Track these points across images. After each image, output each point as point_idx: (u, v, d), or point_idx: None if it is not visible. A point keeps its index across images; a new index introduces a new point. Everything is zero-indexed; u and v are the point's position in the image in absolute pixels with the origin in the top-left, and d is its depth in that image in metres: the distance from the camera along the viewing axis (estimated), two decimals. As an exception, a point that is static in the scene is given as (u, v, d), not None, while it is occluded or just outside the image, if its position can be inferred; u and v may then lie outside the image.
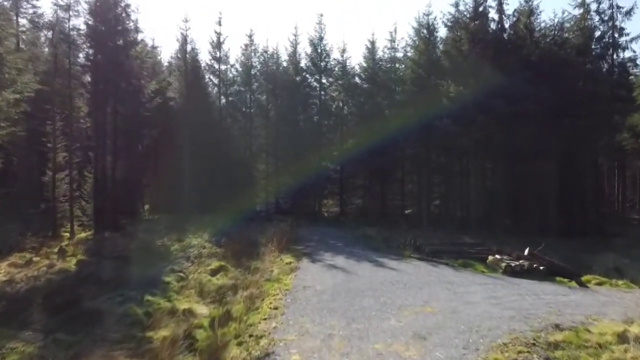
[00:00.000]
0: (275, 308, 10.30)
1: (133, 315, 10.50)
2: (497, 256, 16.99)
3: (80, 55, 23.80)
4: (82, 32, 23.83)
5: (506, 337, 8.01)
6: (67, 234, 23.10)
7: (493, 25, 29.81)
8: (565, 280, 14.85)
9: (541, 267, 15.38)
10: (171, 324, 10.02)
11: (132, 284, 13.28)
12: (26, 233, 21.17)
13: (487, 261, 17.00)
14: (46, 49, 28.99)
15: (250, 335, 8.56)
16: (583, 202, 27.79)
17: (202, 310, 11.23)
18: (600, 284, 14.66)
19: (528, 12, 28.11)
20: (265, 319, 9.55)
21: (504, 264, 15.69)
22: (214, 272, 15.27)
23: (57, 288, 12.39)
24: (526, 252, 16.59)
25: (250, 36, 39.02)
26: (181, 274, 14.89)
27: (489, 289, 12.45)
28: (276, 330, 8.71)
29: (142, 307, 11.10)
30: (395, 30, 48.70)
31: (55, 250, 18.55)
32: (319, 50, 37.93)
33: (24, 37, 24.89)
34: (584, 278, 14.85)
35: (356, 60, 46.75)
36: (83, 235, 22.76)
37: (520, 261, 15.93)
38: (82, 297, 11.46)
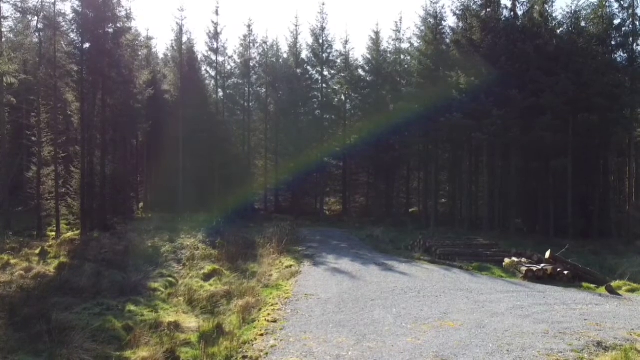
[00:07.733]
0: (274, 321, 9.54)
1: (110, 330, 9.39)
2: (515, 259, 16.29)
3: (67, 42, 22.44)
4: (68, 17, 22.73)
5: (544, 359, 7.21)
6: (53, 234, 22.05)
7: (506, 13, 28.99)
8: (593, 286, 14.07)
9: (565, 272, 14.61)
10: (153, 341, 8.97)
11: (115, 290, 12.26)
12: (8, 232, 20.05)
13: (504, 264, 16.36)
14: (35, 39, 27.79)
15: (244, 357, 7.67)
16: (603, 202, 26.69)
17: (191, 322, 10.32)
18: (632, 290, 13.69)
19: (543, -1, 26.89)
20: (262, 334, 8.70)
21: (524, 268, 15.17)
22: (206, 277, 14.48)
23: (27, 297, 11.10)
24: (547, 254, 15.87)
25: (248, 26, 38.29)
26: (170, 279, 14.03)
27: (512, 298, 11.80)
28: (274, 350, 7.77)
29: (122, 319, 10.05)
30: (400, 20, 48.10)
31: (37, 251, 17.38)
32: (321, 41, 37.05)
33: (6, 23, 23.63)
34: (613, 284, 13.88)
35: (360, 51, 46.15)
36: (69, 235, 21.65)
37: (542, 265, 15.23)
38: (55, 308, 10.15)
